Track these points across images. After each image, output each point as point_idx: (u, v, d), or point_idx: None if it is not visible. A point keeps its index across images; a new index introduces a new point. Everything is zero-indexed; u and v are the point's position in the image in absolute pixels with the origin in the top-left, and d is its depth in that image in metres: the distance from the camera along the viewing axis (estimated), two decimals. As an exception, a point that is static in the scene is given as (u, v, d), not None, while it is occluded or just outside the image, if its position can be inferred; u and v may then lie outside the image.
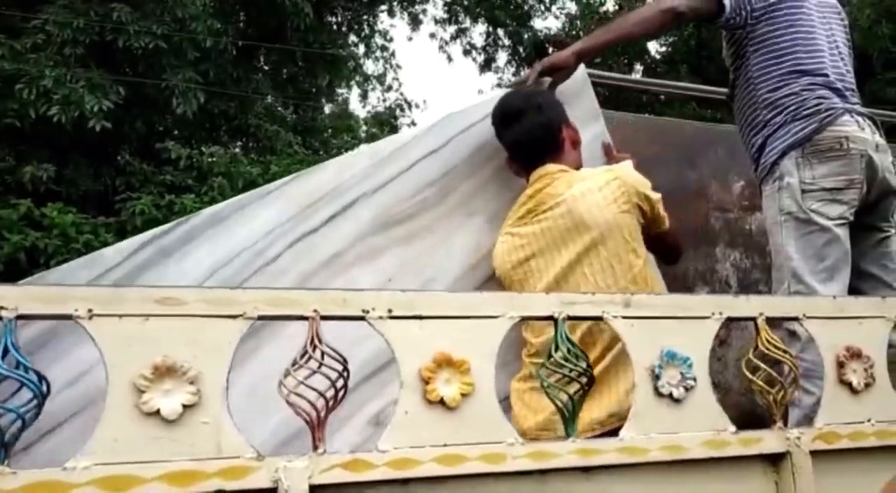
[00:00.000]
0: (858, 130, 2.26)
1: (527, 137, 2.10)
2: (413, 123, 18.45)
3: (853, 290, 2.26)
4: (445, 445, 1.10)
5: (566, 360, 1.18)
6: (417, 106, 21.64)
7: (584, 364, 1.18)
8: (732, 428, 1.24)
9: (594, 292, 1.69)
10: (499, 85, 16.84)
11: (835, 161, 2.21)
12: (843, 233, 2.22)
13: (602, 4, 17.00)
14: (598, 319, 1.23)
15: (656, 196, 2.06)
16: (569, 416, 1.18)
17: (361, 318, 1.11)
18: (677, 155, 3.47)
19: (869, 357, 1.36)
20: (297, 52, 13.68)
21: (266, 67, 14.54)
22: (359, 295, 1.12)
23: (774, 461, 1.27)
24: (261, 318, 1.07)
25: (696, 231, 3.41)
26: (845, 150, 2.21)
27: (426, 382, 1.11)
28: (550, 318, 1.19)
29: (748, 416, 1.28)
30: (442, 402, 1.11)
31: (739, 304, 1.31)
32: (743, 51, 2.40)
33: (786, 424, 1.34)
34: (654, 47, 16.82)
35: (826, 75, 2.31)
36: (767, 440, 1.26)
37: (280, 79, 14.62)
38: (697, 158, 3.47)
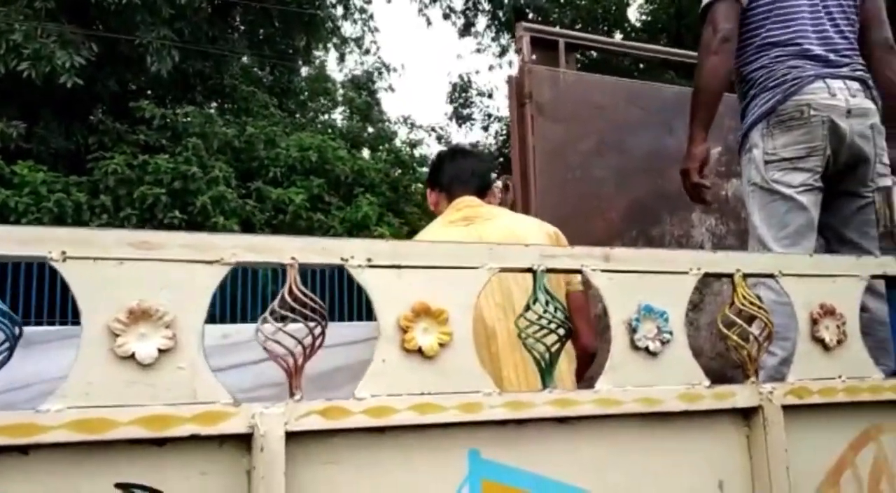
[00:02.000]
0: (827, 96, 2.27)
1: (468, 169, 2.29)
2: (391, 88, 18.28)
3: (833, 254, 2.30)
4: (422, 393, 1.10)
5: (544, 311, 1.18)
6: (395, 70, 21.44)
7: (561, 315, 1.18)
8: (707, 382, 1.26)
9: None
10: (478, 50, 16.68)
11: (796, 130, 2.25)
12: (807, 200, 2.25)
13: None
14: (577, 272, 1.23)
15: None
16: (545, 367, 1.18)
17: (340, 266, 1.10)
18: (656, 120, 3.47)
19: (842, 315, 1.37)
20: (273, 12, 13.45)
21: (242, 27, 14.29)
22: (338, 243, 1.11)
23: (747, 414, 1.28)
24: (239, 264, 1.06)
25: (673, 196, 3.42)
26: (806, 117, 2.24)
27: (404, 331, 1.10)
28: (529, 270, 1.19)
29: (720, 380, 1.29)
30: (420, 351, 1.11)
31: (717, 259, 1.32)
32: (739, 27, 2.42)
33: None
34: (633, 15, 16.75)
35: (799, 44, 2.32)
36: (740, 395, 1.27)
37: (256, 39, 14.39)
38: (675, 123, 3.47)
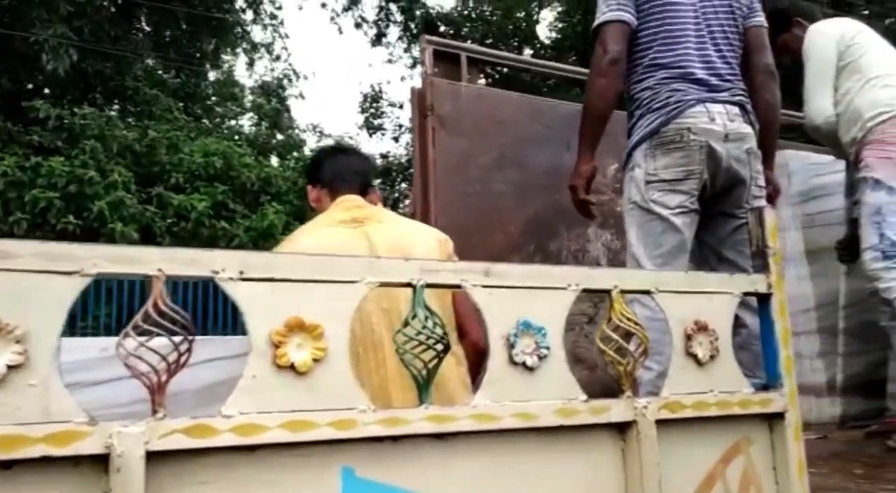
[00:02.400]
0: (707, 120, 2.35)
1: (351, 167, 2.26)
2: (301, 96, 18.08)
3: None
4: (294, 410, 1.07)
5: (423, 327, 1.17)
6: (306, 77, 21.22)
7: (440, 331, 1.18)
8: (583, 397, 1.27)
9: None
10: (389, 61, 16.70)
11: (676, 153, 2.33)
12: (681, 221, 2.33)
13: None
14: (457, 287, 1.23)
15: None
16: (423, 383, 1.17)
17: (210, 279, 1.06)
18: (556, 136, 3.54)
19: (715, 331, 1.41)
20: (179, 14, 13.13)
21: (147, 28, 13.90)
22: (209, 254, 1.07)
23: (622, 429, 1.30)
24: (100, 275, 1.01)
25: (570, 212, 3.49)
26: (685, 141, 2.32)
27: (276, 346, 1.08)
28: (409, 285, 1.18)
29: (613, 393, 1.31)
30: (292, 367, 1.08)
31: (596, 276, 1.34)
32: (629, 47, 2.48)
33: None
34: (543, 32, 17.09)
35: (683, 68, 2.39)
36: (616, 409, 1.29)
37: (162, 41, 14.03)
38: (575, 140, 3.53)
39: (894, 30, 12.22)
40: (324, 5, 16.79)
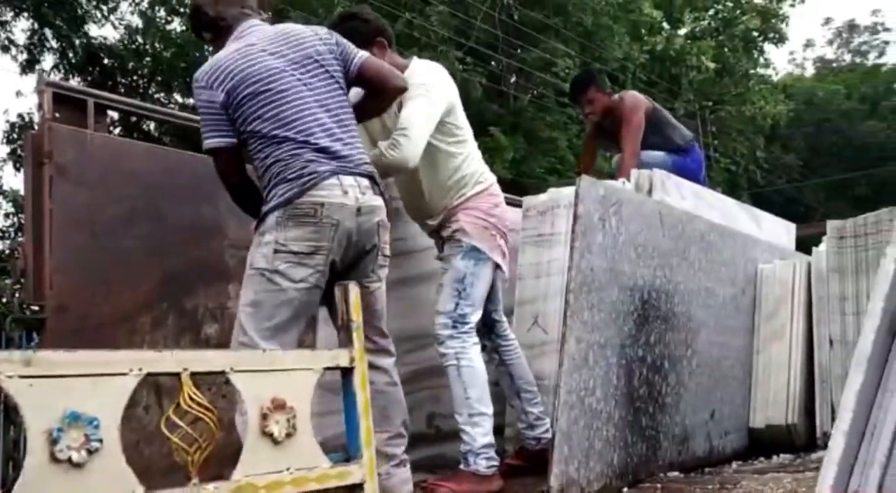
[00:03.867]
0: (340, 194, 2.38)
1: None
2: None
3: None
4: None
5: None
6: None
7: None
8: (140, 489, 1.20)
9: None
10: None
11: (307, 226, 2.34)
12: (301, 295, 2.35)
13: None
14: (-9, 379, 1.10)
15: None
16: None
17: None
18: (194, 189, 3.42)
19: (292, 408, 1.42)
20: None
21: None
22: None
23: (190, 520, 1.25)
24: None
25: (210, 268, 3.39)
26: (318, 217, 2.35)
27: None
28: None
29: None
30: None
31: (163, 359, 1.29)
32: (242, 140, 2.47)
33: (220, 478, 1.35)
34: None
35: (308, 139, 2.42)
36: (178, 500, 1.24)
37: None
38: (216, 193, 3.45)
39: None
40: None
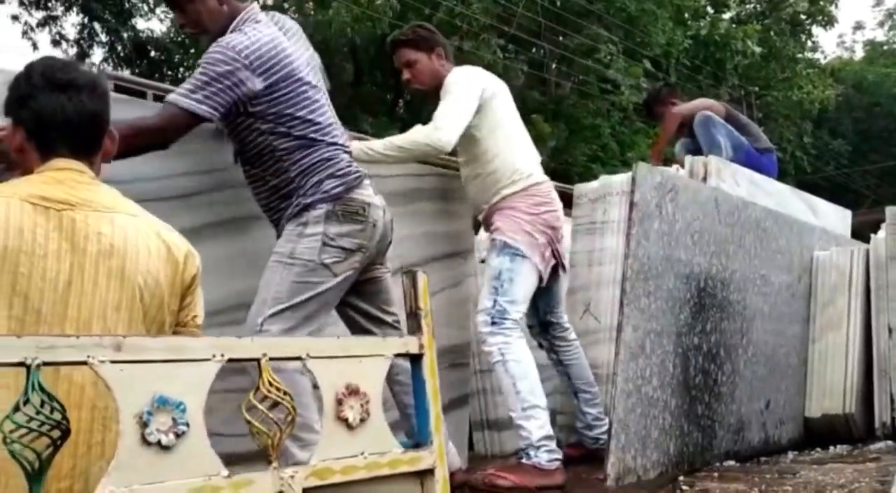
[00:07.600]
0: (372, 194, 2.42)
1: (75, 113, 1.60)
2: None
3: (364, 331, 2.47)
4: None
5: (37, 413, 1.07)
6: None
7: (58, 416, 1.08)
8: (225, 472, 1.23)
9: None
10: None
11: (356, 225, 2.34)
12: (337, 290, 2.35)
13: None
14: (83, 363, 1.14)
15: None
16: (34, 475, 1.06)
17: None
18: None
19: (366, 394, 1.45)
20: None
21: None
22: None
23: (273, 502, 1.28)
24: None
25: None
26: (365, 216, 2.37)
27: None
28: (22, 364, 1.07)
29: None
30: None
31: (243, 345, 1.32)
32: (254, 128, 2.36)
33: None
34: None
35: (337, 143, 2.43)
36: (260, 482, 1.27)
37: None
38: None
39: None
40: (16, 18, 15.26)
